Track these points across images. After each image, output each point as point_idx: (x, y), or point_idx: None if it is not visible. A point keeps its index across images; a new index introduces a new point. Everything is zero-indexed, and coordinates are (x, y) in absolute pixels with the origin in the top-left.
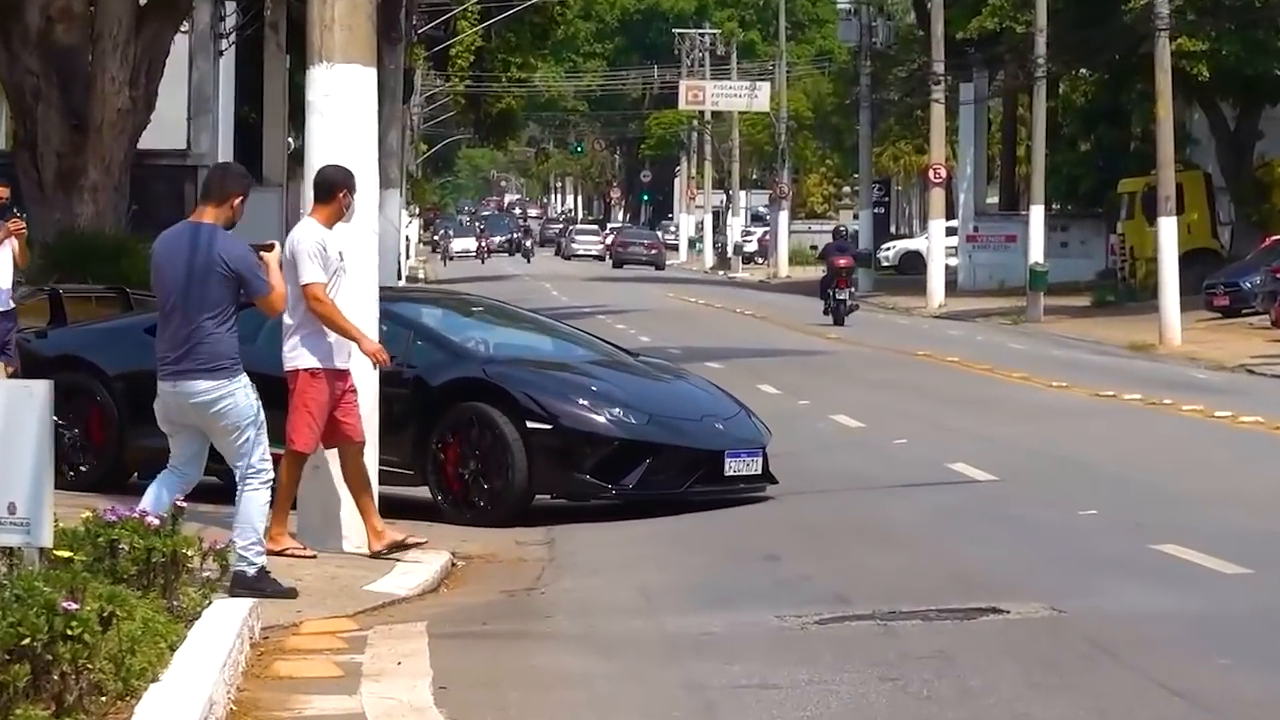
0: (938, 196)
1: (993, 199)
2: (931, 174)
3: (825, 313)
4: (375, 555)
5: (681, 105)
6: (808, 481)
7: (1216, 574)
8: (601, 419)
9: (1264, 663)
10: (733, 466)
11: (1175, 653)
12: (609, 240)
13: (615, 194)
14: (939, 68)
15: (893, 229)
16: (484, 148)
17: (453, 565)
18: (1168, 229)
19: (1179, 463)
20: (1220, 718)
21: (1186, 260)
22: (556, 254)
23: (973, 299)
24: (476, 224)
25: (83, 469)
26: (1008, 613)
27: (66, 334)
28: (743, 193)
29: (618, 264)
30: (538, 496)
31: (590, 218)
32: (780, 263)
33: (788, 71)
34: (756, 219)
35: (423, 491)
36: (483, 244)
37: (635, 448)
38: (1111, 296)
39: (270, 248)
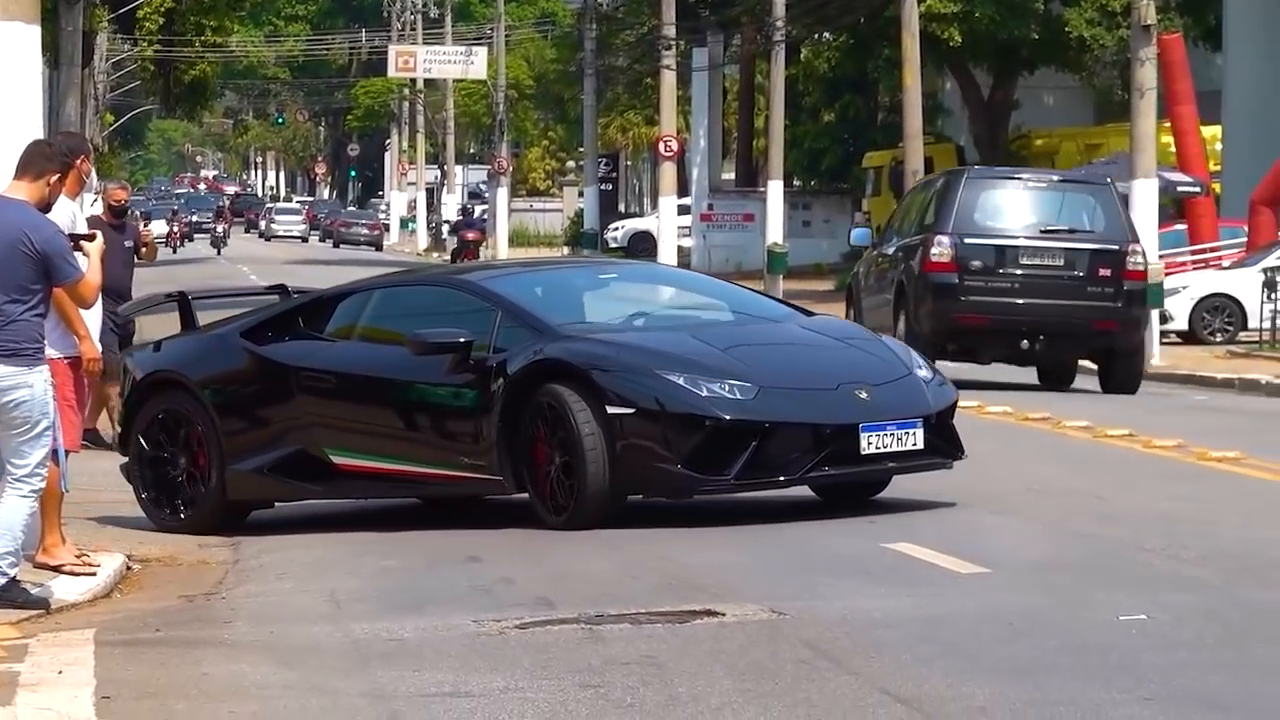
0: (669, 172)
1: (729, 175)
2: (662, 147)
3: None
4: (38, 566)
5: (391, 72)
6: None
7: (952, 574)
8: (695, 396)
9: (993, 666)
10: (873, 442)
11: (902, 657)
12: (326, 219)
13: (321, 169)
14: (670, 31)
15: (621, 207)
16: (176, 119)
17: (128, 569)
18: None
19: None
20: None
21: None
22: (258, 235)
23: None
24: (173, 204)
25: (193, 507)
26: (723, 616)
27: (161, 348)
28: (459, 168)
29: (336, 244)
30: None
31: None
32: (500, 244)
33: (507, 36)
34: (474, 196)
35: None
36: (173, 229)
37: (737, 428)
38: None
39: (92, 238)
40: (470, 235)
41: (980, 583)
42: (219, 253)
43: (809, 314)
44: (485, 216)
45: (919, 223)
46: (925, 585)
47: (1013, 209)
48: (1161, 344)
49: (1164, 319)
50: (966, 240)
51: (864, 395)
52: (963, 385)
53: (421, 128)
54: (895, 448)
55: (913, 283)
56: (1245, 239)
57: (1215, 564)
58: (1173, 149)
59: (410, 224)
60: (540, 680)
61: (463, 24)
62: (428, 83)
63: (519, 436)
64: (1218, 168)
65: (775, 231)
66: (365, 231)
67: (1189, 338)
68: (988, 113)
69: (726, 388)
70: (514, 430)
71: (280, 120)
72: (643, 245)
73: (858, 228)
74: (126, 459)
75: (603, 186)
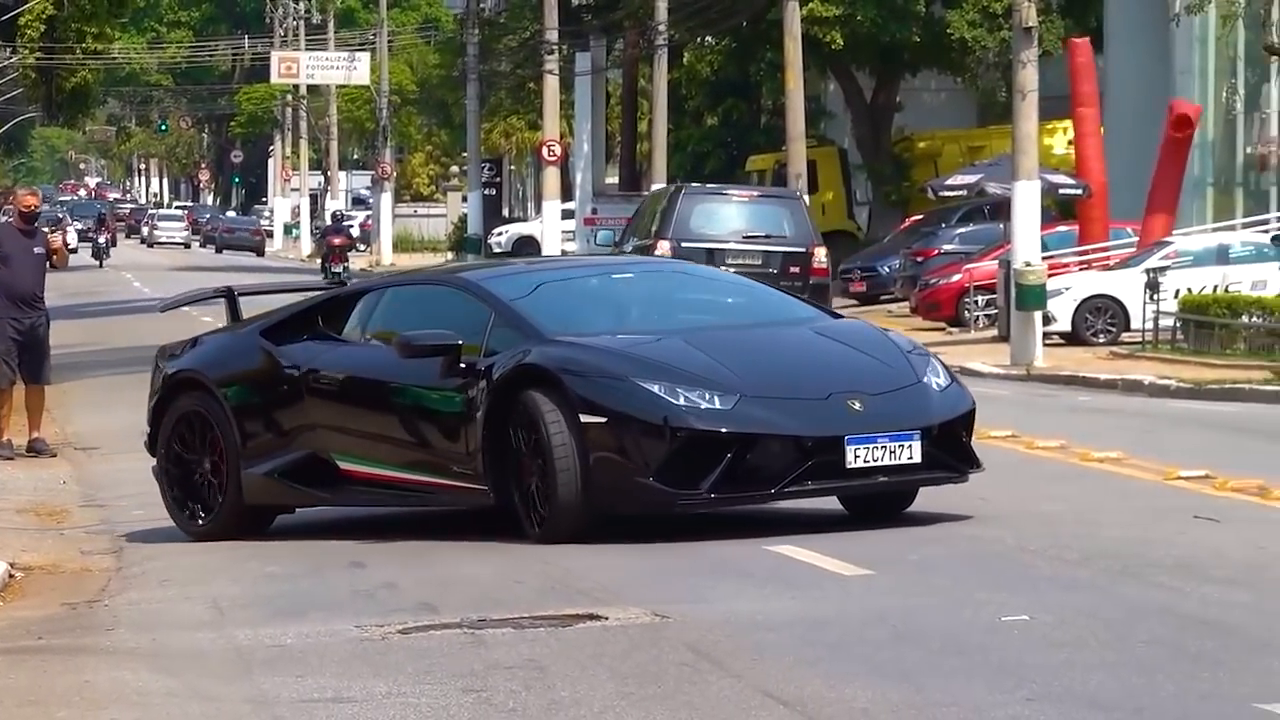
0: (552, 176)
1: (612, 179)
2: (545, 152)
3: (326, 283)
4: None
5: (274, 79)
6: None
7: (835, 576)
8: (669, 405)
9: (876, 668)
10: (860, 455)
11: (784, 659)
12: (207, 225)
13: (204, 176)
14: (553, 35)
15: (505, 212)
16: (59, 127)
17: (11, 576)
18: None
19: None
20: None
21: (831, 245)
22: (140, 241)
23: None
24: (58, 211)
25: (213, 511)
26: (605, 619)
27: (194, 345)
28: (343, 174)
29: (219, 249)
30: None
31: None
32: (383, 249)
33: (390, 41)
34: (358, 202)
35: None
36: (98, 230)
37: (712, 440)
38: None
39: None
40: (336, 241)
41: (863, 585)
42: (100, 265)
43: (837, 317)
44: (348, 222)
45: (649, 229)
46: (808, 588)
47: (720, 219)
48: (1045, 345)
49: (1047, 320)
50: (683, 244)
51: (857, 405)
52: None
53: (305, 134)
54: (887, 461)
55: None
56: (1135, 240)
57: (1097, 564)
58: (1056, 150)
59: (294, 230)
60: (422, 685)
61: (346, 30)
62: (311, 89)
63: (502, 445)
64: None
65: None
66: (247, 237)
67: (1072, 339)
68: (870, 115)
69: (705, 397)
70: (497, 438)
71: (163, 127)
72: (527, 250)
73: (603, 229)
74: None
75: (486, 191)
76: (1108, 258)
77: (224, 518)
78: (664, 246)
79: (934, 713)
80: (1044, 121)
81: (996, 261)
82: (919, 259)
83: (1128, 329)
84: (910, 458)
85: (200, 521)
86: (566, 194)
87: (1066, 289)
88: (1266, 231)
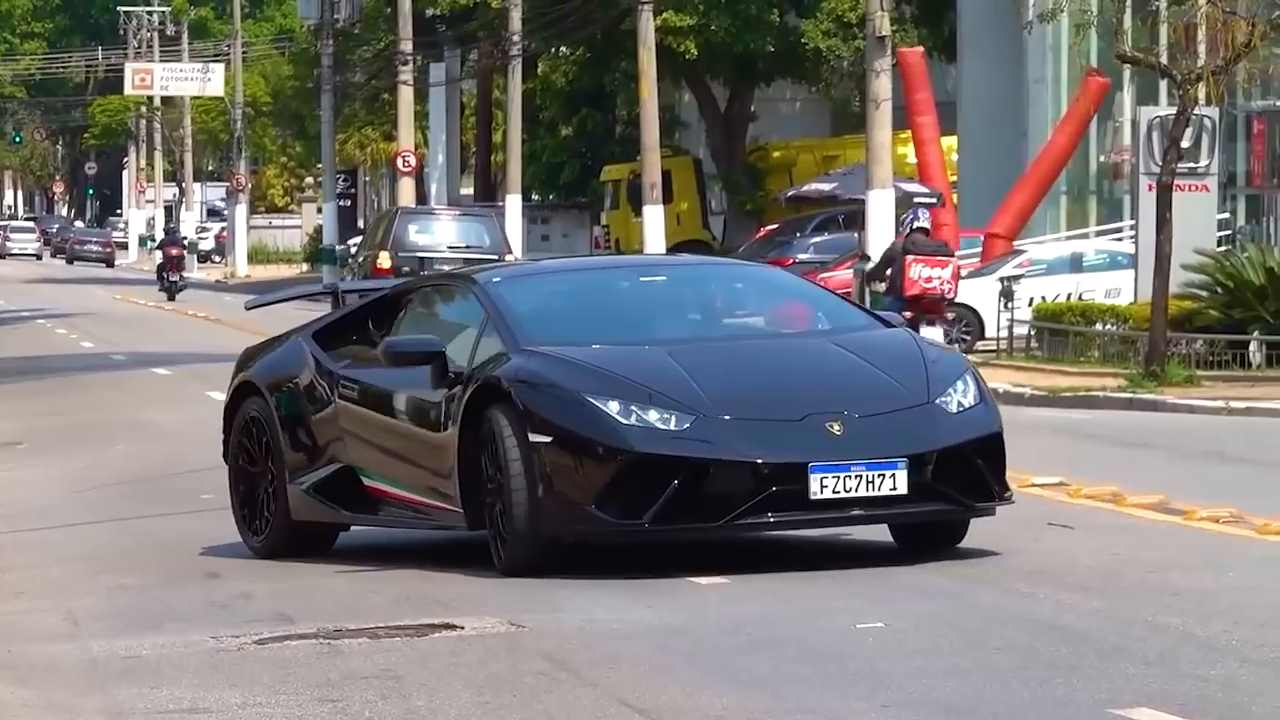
0: (407, 187)
1: (468, 189)
2: (400, 162)
3: (160, 290)
4: None
5: (128, 90)
6: None
7: (690, 584)
8: (616, 426)
9: (731, 675)
10: (828, 485)
11: (640, 667)
12: (58, 237)
13: (59, 188)
14: (407, 46)
15: (360, 223)
16: None
17: None
18: (654, 219)
19: None
20: None
21: (676, 252)
22: None
23: None
24: None
25: (267, 528)
26: (462, 629)
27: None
28: (197, 185)
29: (70, 260)
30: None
31: (30, 215)
32: (239, 261)
33: (244, 53)
34: (213, 214)
35: None
36: None
37: (656, 464)
38: None
39: None
40: (173, 251)
41: (718, 593)
42: None
43: (886, 326)
44: (182, 235)
45: (374, 241)
46: (663, 596)
47: (431, 232)
48: None
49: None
50: (400, 254)
51: (836, 428)
52: None
53: (159, 145)
54: (863, 492)
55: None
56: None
57: (952, 571)
58: (910, 160)
59: (149, 241)
60: (279, 695)
61: (200, 41)
62: (165, 100)
63: (475, 464)
64: (954, 178)
65: (515, 245)
66: (98, 249)
67: None
68: (725, 125)
69: (659, 417)
70: (471, 457)
71: (17, 139)
72: None
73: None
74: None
75: (341, 203)
76: (959, 265)
77: (275, 535)
78: (384, 256)
79: (790, 719)
80: (898, 131)
81: (851, 270)
82: (779, 263)
83: (983, 337)
84: (893, 489)
85: (258, 538)
86: (422, 203)
87: None
88: (1120, 239)
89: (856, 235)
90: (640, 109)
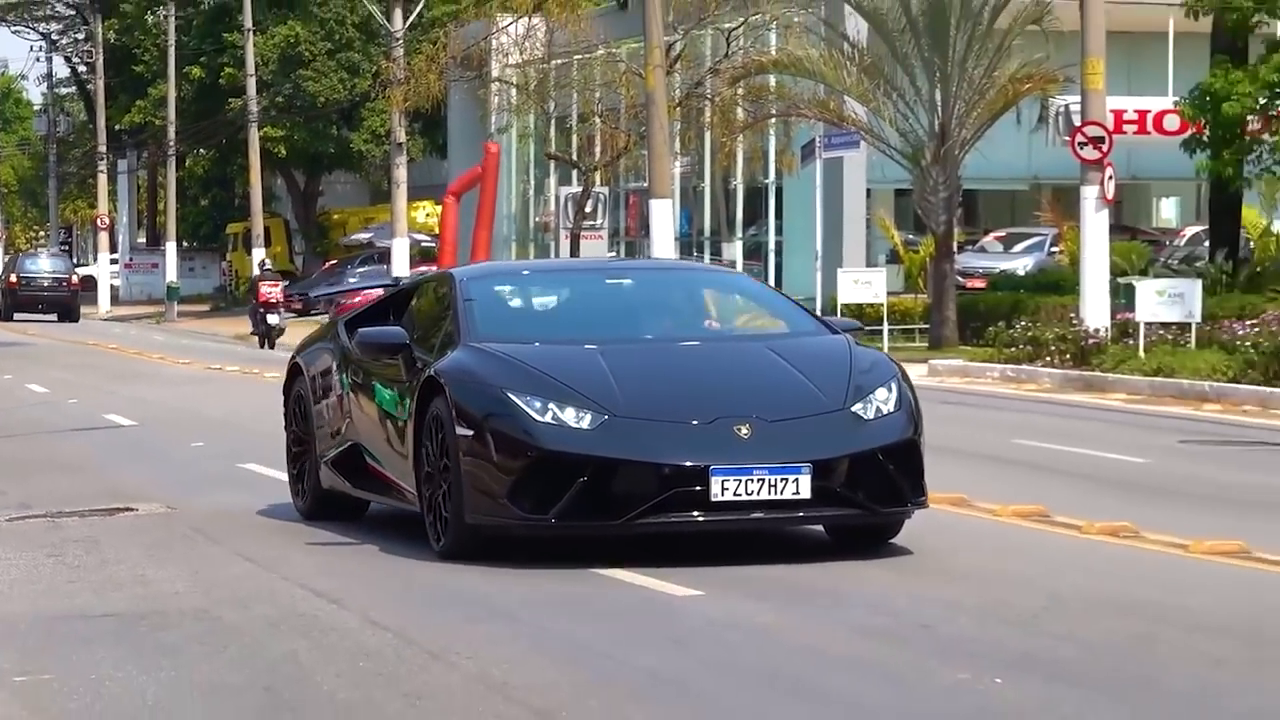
0: (104, 238)
1: (142, 239)
2: (99, 222)
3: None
4: None
5: None
6: (7, 429)
7: (280, 482)
8: (528, 423)
9: (319, 537)
10: (729, 488)
11: (254, 532)
12: None
13: None
14: (103, 149)
15: (75, 261)
16: None
17: None
18: (258, 255)
19: (264, 412)
20: (282, 574)
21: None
22: None
23: (129, 307)
24: None
25: (307, 493)
26: (137, 510)
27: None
28: None
29: None
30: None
31: None
32: None
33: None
34: None
35: None
36: None
37: (563, 462)
38: (222, 304)
39: None
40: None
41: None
42: None
43: (834, 331)
44: None
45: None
46: (253, 487)
47: (36, 263)
48: None
49: None
50: (20, 275)
51: (744, 431)
52: None
53: None
54: (765, 495)
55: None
56: None
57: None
58: (417, 219)
59: None
60: (20, 552)
61: None
62: None
63: (420, 452)
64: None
65: (171, 274)
66: None
67: None
68: (303, 198)
69: (574, 415)
70: (419, 444)
71: None
72: (91, 286)
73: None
74: None
75: (63, 246)
76: None
77: (310, 502)
78: (13, 276)
79: None
80: (412, 201)
81: (381, 290)
82: (336, 286)
83: None
84: (796, 493)
85: (300, 500)
86: (114, 248)
87: None
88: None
89: (385, 267)
90: (250, 188)
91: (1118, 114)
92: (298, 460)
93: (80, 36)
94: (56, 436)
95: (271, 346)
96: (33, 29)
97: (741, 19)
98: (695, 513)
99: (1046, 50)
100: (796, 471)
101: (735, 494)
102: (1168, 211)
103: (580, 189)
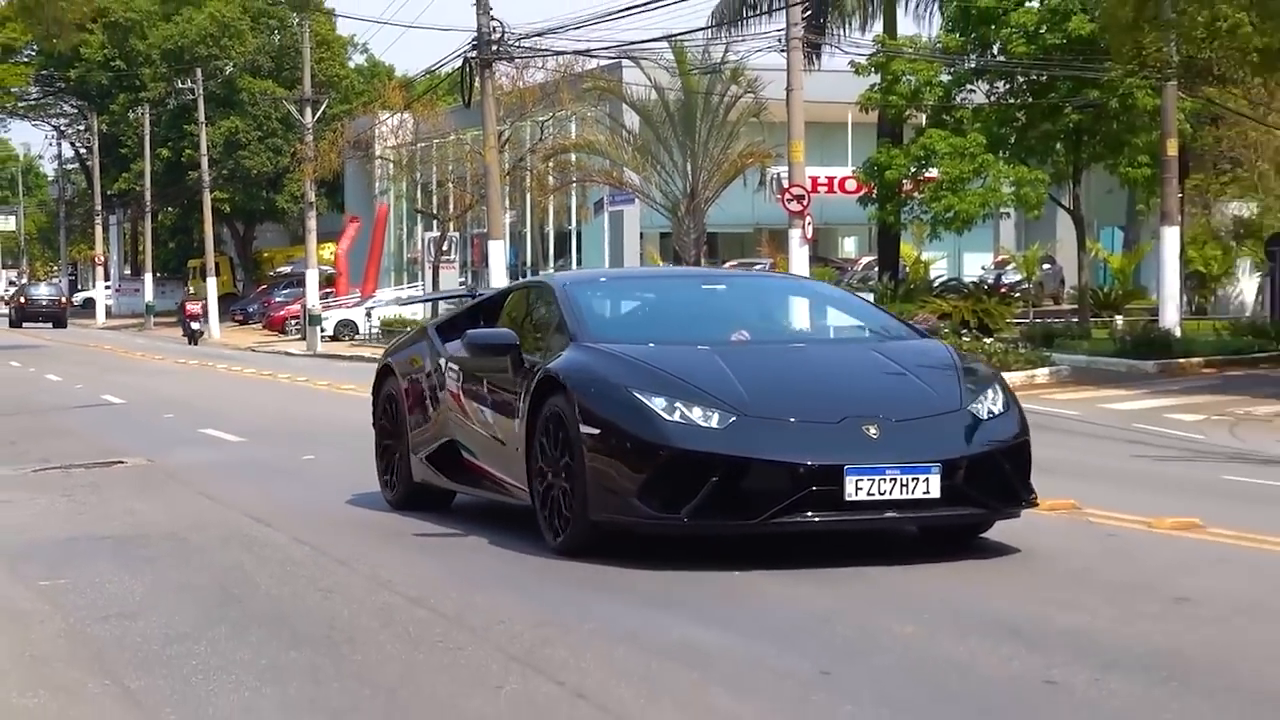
0: (100, 271)
1: (128, 271)
2: (96, 260)
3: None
4: None
5: None
6: (31, 405)
7: (230, 442)
8: (660, 421)
9: (257, 479)
10: (862, 487)
11: (213, 477)
12: None
13: None
14: (99, 208)
15: (79, 287)
16: None
17: None
18: (213, 286)
19: (214, 392)
20: (229, 505)
21: (225, 300)
22: None
23: (118, 320)
24: None
25: (397, 485)
26: (126, 463)
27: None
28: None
29: None
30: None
31: None
32: None
33: (25, 209)
34: (12, 284)
35: None
36: None
37: (697, 461)
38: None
39: None
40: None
41: (243, 447)
42: None
43: (922, 336)
44: None
45: (20, 293)
46: (217, 448)
47: (38, 288)
48: (321, 341)
49: (322, 330)
50: (27, 297)
51: (872, 431)
52: None
53: None
54: (897, 495)
55: None
56: (358, 295)
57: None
58: (325, 255)
59: None
60: (42, 494)
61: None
62: None
63: (533, 449)
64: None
65: (149, 296)
66: None
67: (333, 339)
68: (243, 242)
69: (702, 415)
70: (531, 441)
71: None
72: (91, 305)
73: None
74: None
75: (70, 278)
76: (347, 303)
77: (401, 493)
78: (21, 298)
79: None
80: (320, 243)
81: (299, 305)
82: (267, 304)
83: (358, 333)
84: (926, 492)
85: (391, 492)
86: (107, 278)
87: (326, 317)
88: (417, 287)
89: (303, 289)
90: (205, 236)
91: (814, 179)
92: (386, 454)
93: (82, 127)
94: (66, 411)
95: (195, 344)
96: (47, 122)
97: (550, 114)
98: (830, 512)
99: (763, 135)
100: (927, 471)
101: (869, 493)
102: (849, 247)
103: (439, 234)
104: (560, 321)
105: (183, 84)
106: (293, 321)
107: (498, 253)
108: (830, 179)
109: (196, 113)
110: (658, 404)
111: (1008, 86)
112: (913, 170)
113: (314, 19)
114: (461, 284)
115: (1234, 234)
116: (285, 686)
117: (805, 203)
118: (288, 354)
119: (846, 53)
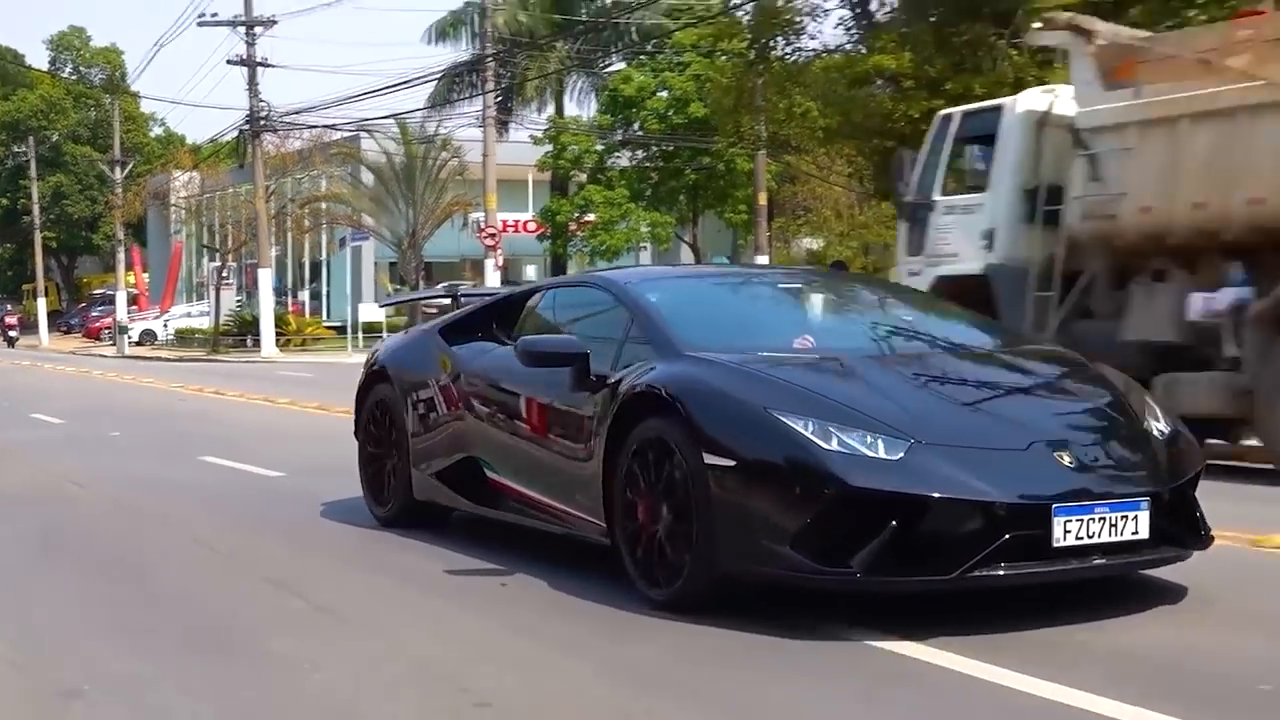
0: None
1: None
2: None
3: None
4: None
5: None
6: None
7: (54, 424)
8: (817, 450)
9: (76, 452)
10: (1072, 530)
11: (41, 451)
12: None
13: None
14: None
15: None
16: None
17: None
18: (42, 305)
19: (41, 385)
20: (63, 477)
21: (53, 316)
22: None
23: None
24: None
25: (391, 500)
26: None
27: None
28: None
29: None
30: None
31: None
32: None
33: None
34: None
35: None
36: None
37: (871, 500)
38: (17, 332)
39: None
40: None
41: (62, 430)
42: None
43: (1027, 342)
44: None
45: None
46: (38, 427)
47: None
48: (129, 346)
49: (129, 337)
50: None
51: (1066, 460)
52: None
53: None
54: (1105, 537)
55: None
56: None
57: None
58: (130, 281)
59: None
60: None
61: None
62: None
63: (619, 478)
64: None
65: (121, 313)
66: None
67: (139, 344)
68: (67, 272)
69: (867, 441)
70: (618, 467)
71: None
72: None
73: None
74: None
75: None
76: (148, 317)
77: (397, 509)
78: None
79: None
80: (127, 271)
81: (111, 319)
82: (86, 318)
83: (156, 339)
84: (1135, 532)
85: (382, 508)
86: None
87: (132, 328)
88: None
89: (111, 306)
90: (36, 265)
91: (504, 222)
92: (373, 464)
93: None
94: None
95: (13, 347)
96: None
97: (306, 173)
98: (1035, 562)
99: (466, 189)
100: (1135, 507)
101: (1077, 536)
102: (530, 273)
103: (220, 263)
104: (631, 326)
105: (19, 149)
106: (106, 331)
107: (265, 279)
108: (516, 221)
109: (30, 171)
110: (808, 429)
111: (645, 154)
112: (576, 215)
113: (123, 99)
114: (397, 289)
115: (807, 262)
116: (93, 608)
117: (497, 239)
118: (102, 356)
119: (527, 128)
